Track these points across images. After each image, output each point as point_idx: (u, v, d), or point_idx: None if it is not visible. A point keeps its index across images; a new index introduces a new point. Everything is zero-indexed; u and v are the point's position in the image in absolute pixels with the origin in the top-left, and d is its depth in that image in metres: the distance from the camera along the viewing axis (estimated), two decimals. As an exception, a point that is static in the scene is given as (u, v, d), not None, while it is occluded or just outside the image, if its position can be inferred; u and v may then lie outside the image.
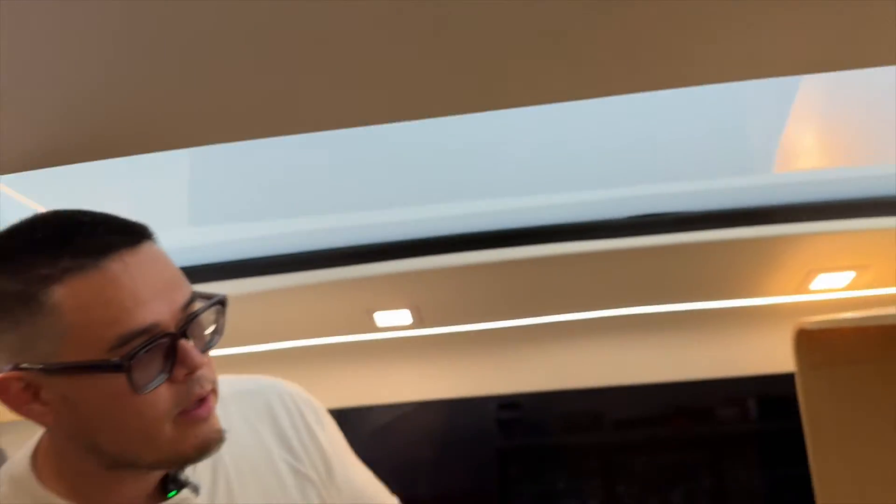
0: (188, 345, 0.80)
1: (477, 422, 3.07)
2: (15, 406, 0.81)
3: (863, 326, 1.47)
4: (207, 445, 0.86)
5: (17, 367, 0.78)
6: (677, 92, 0.96)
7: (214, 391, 0.87)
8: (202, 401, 0.84)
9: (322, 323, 1.50)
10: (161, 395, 0.80)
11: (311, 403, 1.08)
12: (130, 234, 0.81)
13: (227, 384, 0.99)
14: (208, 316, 0.87)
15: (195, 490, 0.92)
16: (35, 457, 0.89)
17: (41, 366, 0.78)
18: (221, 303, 0.87)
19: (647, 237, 1.38)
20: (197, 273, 1.38)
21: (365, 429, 1.84)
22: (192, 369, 0.80)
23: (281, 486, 1.01)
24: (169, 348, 0.79)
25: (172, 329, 0.79)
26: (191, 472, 0.93)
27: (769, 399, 2.39)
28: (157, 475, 0.90)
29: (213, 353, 0.91)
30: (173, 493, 0.90)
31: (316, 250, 1.35)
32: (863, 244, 1.47)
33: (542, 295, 1.51)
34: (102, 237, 0.79)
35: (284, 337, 1.43)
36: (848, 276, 1.51)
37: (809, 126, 1.47)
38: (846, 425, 1.49)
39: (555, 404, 3.19)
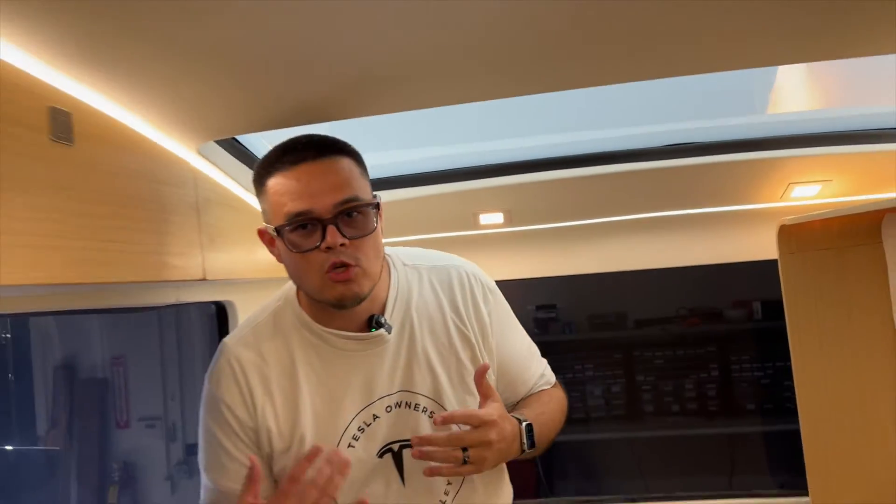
0: (331, 229, 1.05)
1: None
2: (270, 250, 1.15)
3: (826, 222, 1.80)
4: (342, 299, 1.09)
5: (265, 224, 1.14)
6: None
7: (359, 266, 1.08)
8: (342, 268, 1.07)
9: (442, 222, 1.89)
10: (312, 257, 1.07)
11: (482, 282, 1.27)
12: (317, 150, 1.08)
13: (431, 258, 1.27)
14: (365, 213, 1.10)
15: (388, 330, 1.16)
16: (298, 290, 1.19)
17: (268, 225, 1.12)
18: (371, 205, 1.10)
19: (673, 160, 1.76)
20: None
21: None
22: (329, 245, 1.05)
23: (447, 339, 1.20)
24: (321, 229, 1.06)
25: (325, 217, 1.06)
26: (388, 317, 1.17)
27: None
28: (361, 313, 1.15)
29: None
30: (373, 329, 1.16)
31: (439, 171, 1.77)
32: (826, 165, 1.82)
33: (597, 202, 1.89)
34: (300, 152, 1.08)
35: (418, 232, 1.84)
36: (816, 188, 1.87)
37: (793, 76, 1.88)
38: (813, 295, 1.87)
39: (581, 307, 3.39)
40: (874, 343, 1.85)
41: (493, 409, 1.10)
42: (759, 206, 1.96)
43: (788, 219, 1.79)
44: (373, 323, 1.16)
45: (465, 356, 1.21)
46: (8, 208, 0.80)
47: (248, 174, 1.26)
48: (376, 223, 1.11)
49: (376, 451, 1.17)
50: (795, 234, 1.85)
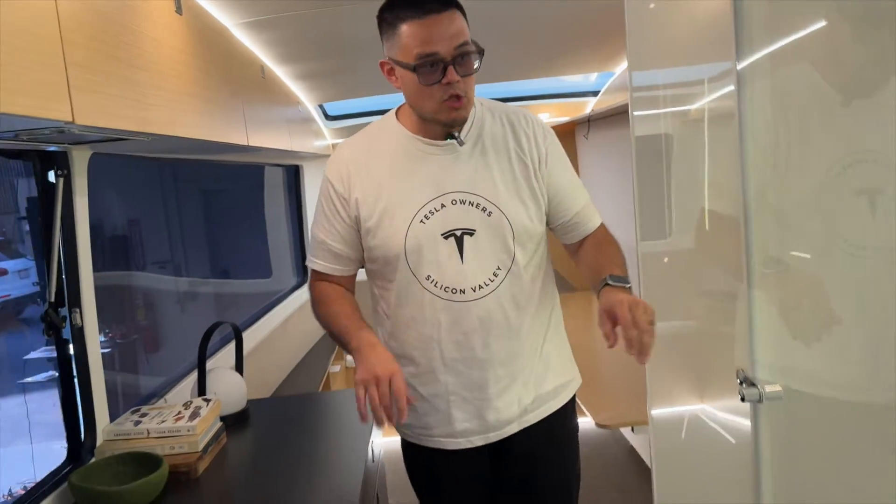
0: (451, 68, 1.28)
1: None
2: (388, 77, 1.37)
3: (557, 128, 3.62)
4: (454, 122, 1.37)
5: (388, 58, 1.36)
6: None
7: (467, 97, 1.32)
8: (456, 99, 1.31)
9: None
10: (434, 89, 1.31)
11: (542, 125, 1.49)
12: (443, 5, 1.28)
13: (506, 106, 1.50)
14: (473, 58, 1.32)
15: (460, 143, 1.40)
16: (398, 111, 1.49)
17: (393, 59, 1.35)
18: (478, 51, 1.33)
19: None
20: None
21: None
22: (449, 81, 1.29)
23: (508, 159, 1.44)
24: (443, 68, 1.28)
25: (447, 59, 1.28)
26: (464, 135, 1.42)
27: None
28: (444, 130, 1.39)
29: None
30: (449, 138, 1.40)
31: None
32: (550, 107, 4.60)
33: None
34: (429, 4, 1.28)
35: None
36: (547, 114, 4.57)
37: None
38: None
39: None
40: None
41: (623, 301, 1.22)
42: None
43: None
44: (449, 135, 1.38)
45: (520, 174, 1.43)
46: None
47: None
48: (478, 64, 1.31)
49: (441, 232, 1.39)
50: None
